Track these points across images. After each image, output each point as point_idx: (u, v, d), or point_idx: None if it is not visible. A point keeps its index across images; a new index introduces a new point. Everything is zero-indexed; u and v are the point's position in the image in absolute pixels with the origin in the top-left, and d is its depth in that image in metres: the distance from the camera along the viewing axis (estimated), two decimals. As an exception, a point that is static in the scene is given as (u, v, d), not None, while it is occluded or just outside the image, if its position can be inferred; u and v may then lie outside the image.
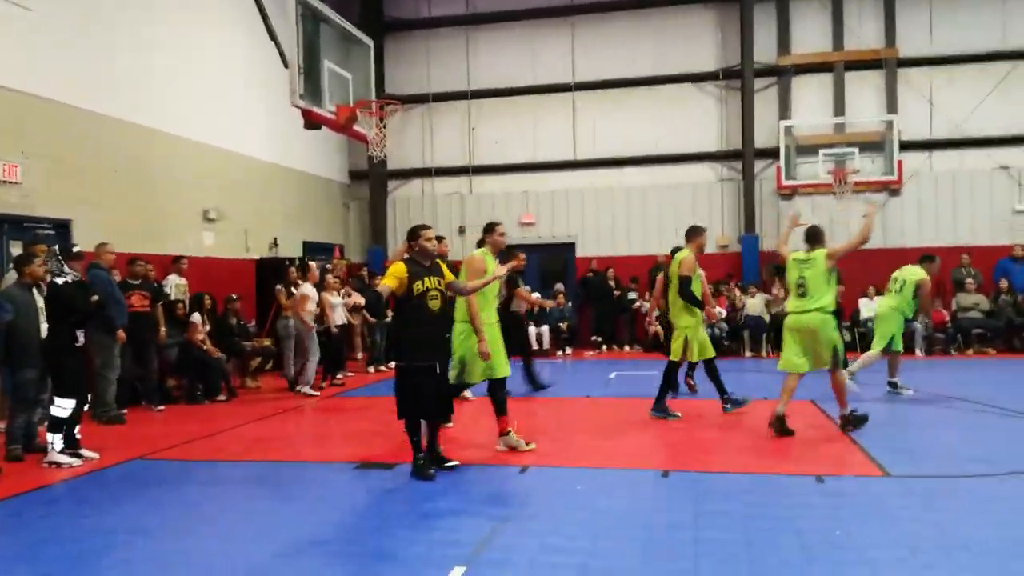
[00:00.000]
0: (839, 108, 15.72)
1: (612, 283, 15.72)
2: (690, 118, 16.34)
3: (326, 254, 15.66)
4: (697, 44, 16.31)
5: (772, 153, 15.73)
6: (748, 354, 14.24)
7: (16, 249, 8.69)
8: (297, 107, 8.67)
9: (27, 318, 6.83)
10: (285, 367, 11.26)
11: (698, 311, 8.30)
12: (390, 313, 12.57)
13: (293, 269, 11.47)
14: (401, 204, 17.72)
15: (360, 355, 13.53)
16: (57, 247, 7.28)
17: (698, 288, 8.31)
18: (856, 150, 14.97)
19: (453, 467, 6.17)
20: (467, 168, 17.37)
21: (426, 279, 5.93)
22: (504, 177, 17.22)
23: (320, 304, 11.21)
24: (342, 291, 11.91)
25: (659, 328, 14.78)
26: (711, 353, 8.46)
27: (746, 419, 8.28)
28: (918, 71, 15.46)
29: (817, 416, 8.22)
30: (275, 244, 14.38)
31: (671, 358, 8.42)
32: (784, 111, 15.92)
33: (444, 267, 6.24)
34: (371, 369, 12.71)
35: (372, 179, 17.35)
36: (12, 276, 7.32)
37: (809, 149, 15.34)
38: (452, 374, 6.63)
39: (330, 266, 13.32)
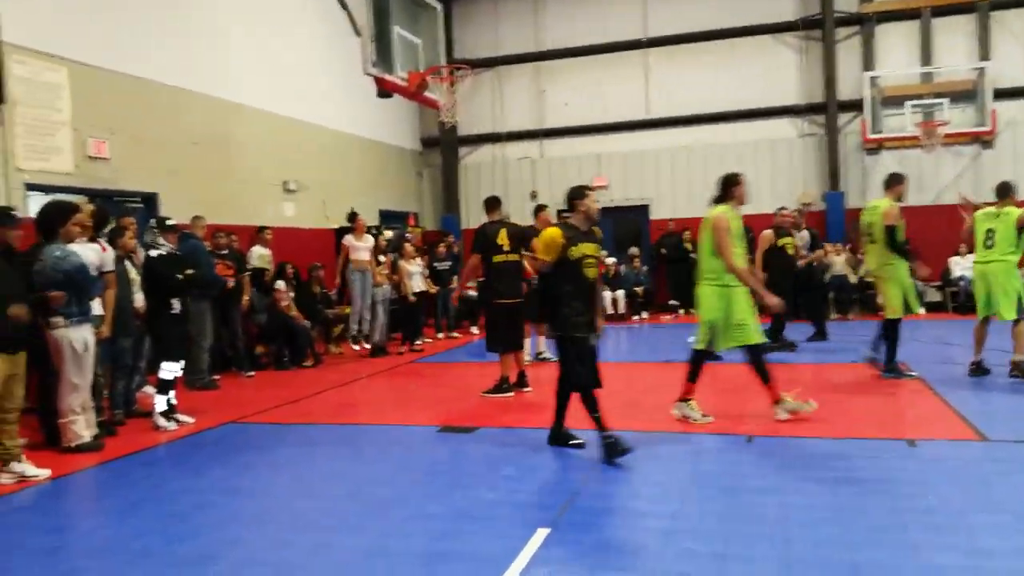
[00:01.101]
0: (926, 57, 14.89)
1: (689, 245, 15.42)
2: (769, 71, 15.75)
3: (400, 222, 15.85)
4: (775, -7, 15.66)
5: (856, 106, 15.07)
6: (833, 316, 13.82)
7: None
8: (370, 75, 8.72)
9: (121, 289, 7.11)
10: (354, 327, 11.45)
11: (905, 262, 7.84)
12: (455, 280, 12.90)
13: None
14: (472, 170, 17.72)
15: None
16: (153, 220, 7.55)
17: (902, 237, 7.83)
18: (945, 100, 14.22)
19: (580, 445, 5.69)
20: (537, 132, 17.21)
21: (583, 245, 5.52)
22: (575, 140, 17.00)
23: (398, 272, 11.38)
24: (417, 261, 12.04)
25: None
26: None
27: (834, 383, 8.06)
28: (1015, 13, 14.48)
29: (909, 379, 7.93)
30: (353, 213, 14.57)
31: (890, 316, 7.85)
32: (868, 61, 15.18)
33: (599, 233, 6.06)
34: (440, 336, 12.86)
35: (443, 146, 17.40)
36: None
37: (895, 100, 14.64)
38: (700, 340, 6.40)
39: (409, 235, 13.49)
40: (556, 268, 5.46)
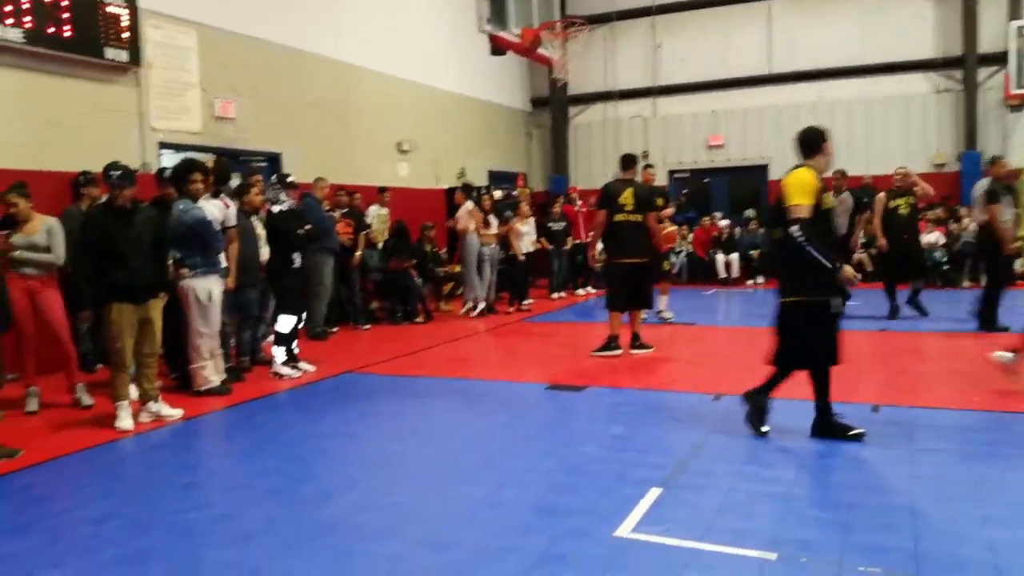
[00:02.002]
0: (1084, 2, 13.56)
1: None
2: (902, 23, 14.71)
3: (509, 183, 15.86)
4: (913, -62, 14.56)
5: (999, 59, 13.92)
6: (966, 283, 12.98)
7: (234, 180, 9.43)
8: (484, 32, 8.67)
9: (247, 243, 7.41)
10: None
11: None
12: (569, 241, 12.83)
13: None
14: (583, 130, 17.49)
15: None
16: (275, 177, 7.82)
17: None
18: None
19: (860, 436, 4.77)
20: (651, 89, 16.77)
21: (828, 195, 4.94)
22: (690, 97, 16.46)
23: (509, 231, 11.42)
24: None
25: (864, 255, 13.84)
26: None
27: (965, 352, 7.57)
28: None
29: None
30: (462, 174, 14.72)
31: None
32: (1015, 10, 13.92)
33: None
34: (554, 296, 12.86)
35: (553, 105, 17.23)
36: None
37: (1046, 52, 13.41)
38: None
39: (516, 193, 13.50)
40: (811, 218, 4.58)
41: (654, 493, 3.95)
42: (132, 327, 5.57)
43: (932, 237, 13.08)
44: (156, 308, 5.79)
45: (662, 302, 9.75)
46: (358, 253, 10.18)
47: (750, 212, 14.91)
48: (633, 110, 17.01)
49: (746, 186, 16.08)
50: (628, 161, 7.88)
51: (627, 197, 7.68)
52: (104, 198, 6.59)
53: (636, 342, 7.87)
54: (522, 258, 11.53)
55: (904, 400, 5.77)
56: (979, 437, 4.84)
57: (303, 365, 7.32)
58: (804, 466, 4.39)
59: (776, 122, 15.72)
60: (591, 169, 16.78)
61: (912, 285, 9.61)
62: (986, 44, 14.06)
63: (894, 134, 14.84)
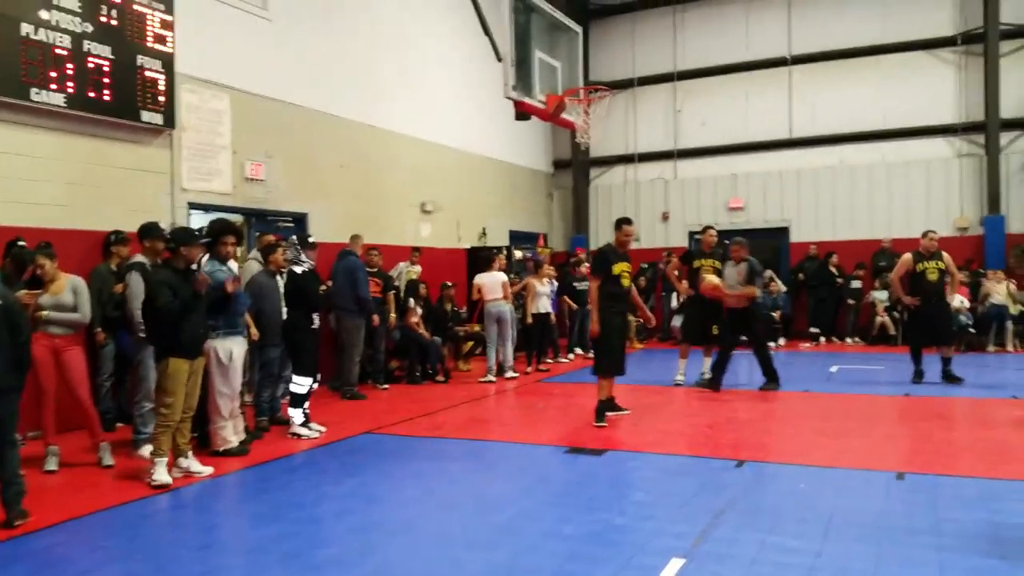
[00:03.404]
0: (1108, 68, 13.63)
1: (835, 270, 14.69)
2: (923, 89, 14.84)
3: (531, 243, 15.99)
4: (931, 6, 14.77)
5: (1021, 124, 13.99)
6: (992, 348, 12.81)
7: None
8: (510, 99, 8.85)
9: (271, 302, 7.52)
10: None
11: None
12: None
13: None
14: (604, 192, 17.67)
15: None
16: (295, 237, 7.95)
17: None
18: None
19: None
20: (671, 152, 16.98)
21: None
22: (710, 160, 16.63)
23: (526, 291, 11.45)
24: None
25: (887, 318, 13.73)
26: None
27: (991, 418, 7.44)
28: None
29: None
30: (484, 234, 14.88)
31: None
32: (1037, 75, 14.06)
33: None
34: (571, 356, 12.82)
35: (575, 167, 17.46)
36: (254, 265, 8.08)
37: (1067, 117, 13.45)
38: None
39: (541, 256, 13.59)
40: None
41: (676, 564, 3.88)
42: (184, 384, 5.69)
43: (956, 301, 12.95)
44: (202, 365, 5.93)
45: (704, 364, 9.76)
46: (393, 314, 10.24)
47: (769, 273, 14.85)
48: (654, 172, 17.18)
49: (767, 248, 16.06)
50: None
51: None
52: (137, 257, 6.75)
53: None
54: (530, 320, 11.45)
55: (930, 468, 5.66)
56: (996, 506, 4.72)
57: (314, 426, 7.32)
58: (831, 536, 4.29)
59: (796, 185, 15.82)
60: (611, 230, 16.82)
61: (942, 355, 9.47)
62: (1009, 109, 14.13)
63: (916, 198, 14.85)
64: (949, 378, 9.36)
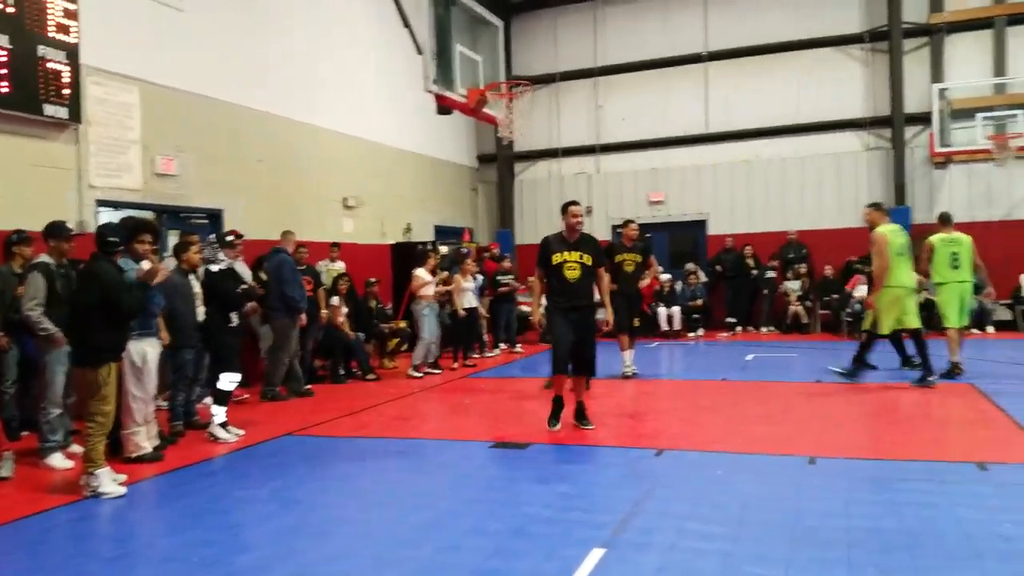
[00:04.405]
0: (999, 67, 14.39)
1: (750, 261, 15.14)
2: (833, 84, 15.42)
3: (456, 238, 15.96)
4: (839, 5, 15.33)
5: (924, 119, 14.66)
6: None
7: (173, 238, 9.31)
8: (430, 92, 8.79)
9: (185, 302, 7.28)
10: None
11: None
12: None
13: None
14: (528, 186, 17.77)
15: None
16: (213, 236, 7.73)
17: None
18: (1020, 112, 13.67)
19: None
20: (594, 147, 17.18)
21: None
22: (632, 155, 16.91)
23: (452, 287, 11.43)
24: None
25: (800, 307, 14.21)
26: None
27: (900, 402, 7.80)
28: (1095, 20, 13.94)
29: (978, 399, 7.63)
30: (408, 229, 14.76)
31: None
32: (937, 73, 14.74)
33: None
34: (497, 351, 12.86)
35: (499, 162, 17.50)
36: (171, 263, 7.83)
37: (965, 113, 14.16)
38: None
39: (465, 250, 13.58)
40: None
41: (597, 554, 3.94)
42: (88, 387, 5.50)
43: (862, 291, 13.51)
44: (113, 372, 5.70)
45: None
46: (324, 311, 10.05)
47: (690, 266, 15.24)
48: (577, 167, 17.37)
49: (686, 240, 16.47)
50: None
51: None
52: (42, 257, 6.45)
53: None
54: (462, 313, 11.51)
55: (840, 452, 5.89)
56: (907, 487, 4.95)
57: (233, 429, 7.14)
58: (744, 522, 4.42)
59: (713, 179, 16.24)
60: (537, 224, 17.00)
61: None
62: (912, 105, 14.79)
63: (827, 191, 15.43)
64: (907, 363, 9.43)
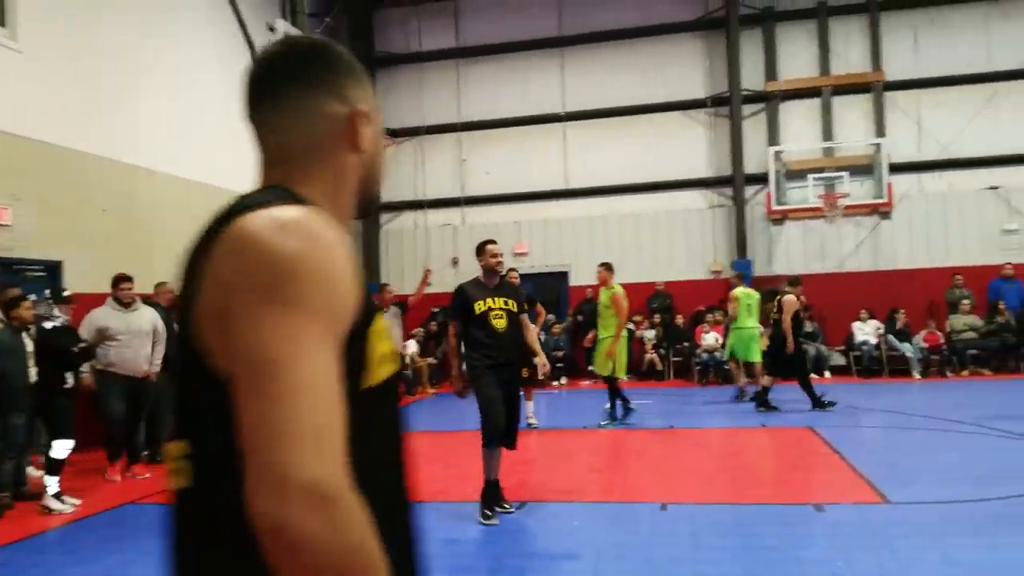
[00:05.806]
0: (827, 132, 15.83)
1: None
2: (680, 145, 16.44)
3: (320, 288, 15.60)
4: (685, 72, 16.46)
5: (762, 179, 15.83)
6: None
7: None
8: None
9: (15, 362, 6.74)
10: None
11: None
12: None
13: None
14: (394, 237, 17.74)
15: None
16: (48, 291, 7.23)
17: None
18: (846, 174, 15.06)
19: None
20: (459, 200, 17.42)
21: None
22: (496, 208, 17.24)
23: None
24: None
25: (655, 355, 14.78)
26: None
27: (743, 447, 8.23)
28: (905, 94, 15.59)
29: (814, 441, 8.17)
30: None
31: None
32: (773, 137, 16.03)
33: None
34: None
35: (364, 212, 17.37)
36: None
37: (799, 174, 15.43)
38: None
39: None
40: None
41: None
42: None
43: (710, 339, 14.28)
44: None
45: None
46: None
47: (551, 317, 15.60)
48: (443, 219, 17.52)
49: (550, 291, 16.87)
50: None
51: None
52: None
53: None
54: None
55: (689, 497, 6.15)
56: (750, 531, 5.23)
57: (68, 499, 6.62)
58: (599, 571, 4.52)
59: (574, 232, 16.81)
60: (403, 274, 16.96)
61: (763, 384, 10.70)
62: (751, 165, 15.94)
63: (678, 245, 16.30)
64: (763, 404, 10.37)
